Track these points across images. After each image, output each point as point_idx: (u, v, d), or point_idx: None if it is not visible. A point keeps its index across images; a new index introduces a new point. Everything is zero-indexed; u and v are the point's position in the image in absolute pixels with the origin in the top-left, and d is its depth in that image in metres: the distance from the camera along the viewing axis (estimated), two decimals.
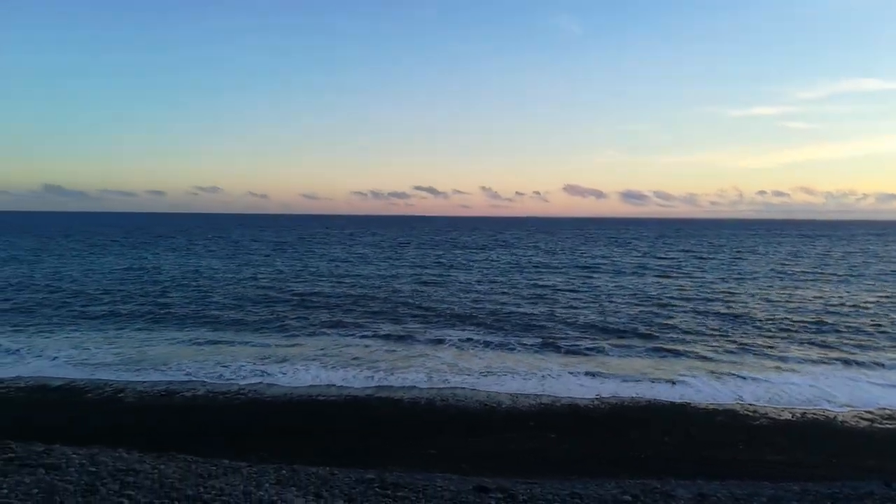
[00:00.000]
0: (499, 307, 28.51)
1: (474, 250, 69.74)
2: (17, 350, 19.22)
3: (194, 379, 16.46)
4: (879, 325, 24.73)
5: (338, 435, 12.36)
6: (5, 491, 5.22)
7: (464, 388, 16.10)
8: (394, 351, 19.96)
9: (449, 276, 42.17)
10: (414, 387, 16.16)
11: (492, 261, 54.99)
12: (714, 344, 21.50)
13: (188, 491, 5.56)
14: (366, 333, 22.47)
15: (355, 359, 18.85)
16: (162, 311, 26.39)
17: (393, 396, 15.36)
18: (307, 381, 16.40)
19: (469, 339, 21.70)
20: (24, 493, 5.19)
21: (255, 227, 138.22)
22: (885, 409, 14.81)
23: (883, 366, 18.77)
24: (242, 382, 16.14)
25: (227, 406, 14.36)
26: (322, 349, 19.89)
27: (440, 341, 21.33)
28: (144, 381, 16.14)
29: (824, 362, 19.14)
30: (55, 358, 18.30)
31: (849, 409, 14.85)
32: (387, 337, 21.93)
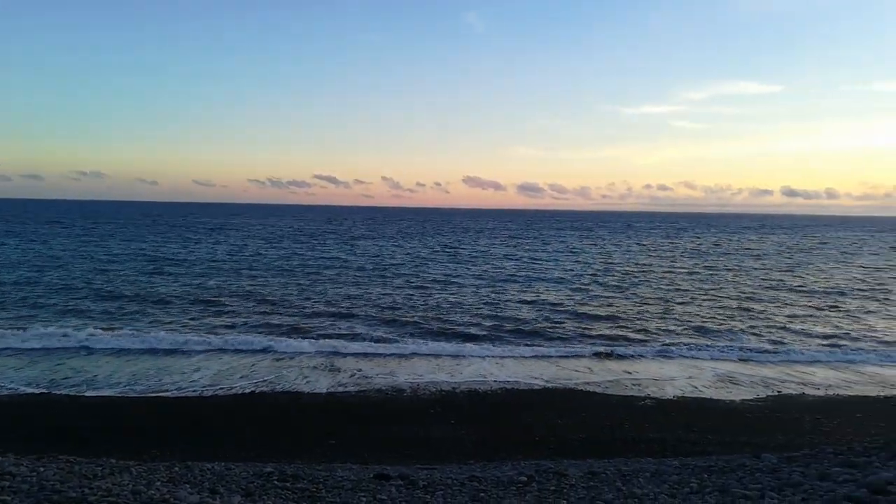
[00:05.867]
0: (383, 299, 28.70)
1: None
2: None
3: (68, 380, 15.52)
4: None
5: (235, 432, 12.03)
6: None
7: (365, 377, 16.13)
8: (279, 345, 19.54)
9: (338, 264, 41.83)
10: (310, 379, 16.00)
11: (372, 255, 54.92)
12: (607, 331, 22.65)
13: (71, 493, 5.26)
14: (251, 325, 21.95)
15: (246, 353, 18.42)
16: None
17: (290, 390, 15.12)
18: (203, 381, 15.83)
19: (355, 330, 21.72)
20: None
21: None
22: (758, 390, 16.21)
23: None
24: (131, 385, 15.36)
25: (108, 407, 13.62)
26: (204, 347, 19.19)
27: (326, 335, 21.10)
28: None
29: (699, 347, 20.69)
30: None
31: (714, 388, 16.15)
32: (276, 328, 21.57)
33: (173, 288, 30.07)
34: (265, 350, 18.83)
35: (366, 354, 18.61)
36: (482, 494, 7.12)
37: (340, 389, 15.23)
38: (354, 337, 20.79)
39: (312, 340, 20.00)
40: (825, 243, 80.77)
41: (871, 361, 19.14)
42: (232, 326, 21.87)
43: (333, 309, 25.81)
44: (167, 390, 14.86)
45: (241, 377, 15.99)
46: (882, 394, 15.74)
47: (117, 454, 9.27)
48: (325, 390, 15.14)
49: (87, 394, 14.35)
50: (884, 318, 26.17)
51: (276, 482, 7.08)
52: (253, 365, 17.14)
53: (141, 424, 12.26)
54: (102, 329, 20.65)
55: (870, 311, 27.85)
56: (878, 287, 36.18)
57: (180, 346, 18.89)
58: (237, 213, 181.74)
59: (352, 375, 16.41)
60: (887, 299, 31.56)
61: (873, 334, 23.02)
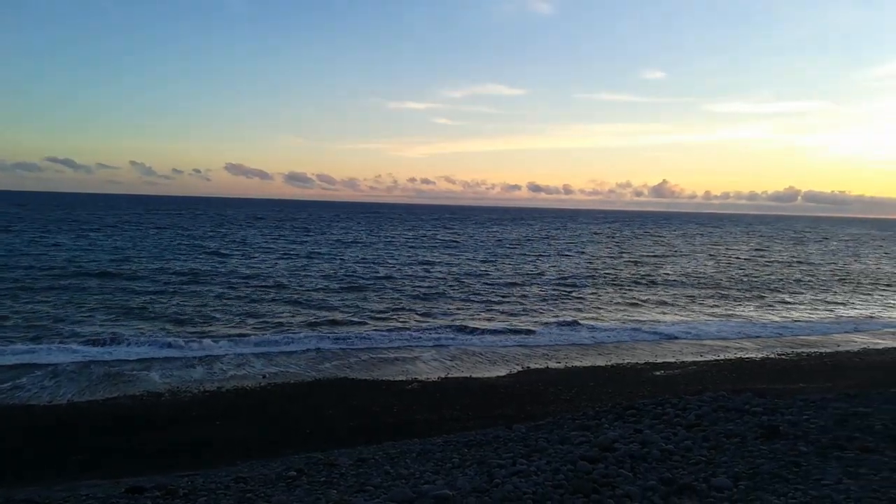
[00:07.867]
0: (128, 299, 26.51)
1: None
2: None
3: None
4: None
5: None
6: None
7: (115, 383, 14.65)
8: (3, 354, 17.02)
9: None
10: (48, 389, 14.12)
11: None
12: (372, 322, 23.27)
13: None
14: None
15: None
16: None
17: (21, 403, 13.18)
18: None
19: (99, 334, 19.37)
20: None
21: None
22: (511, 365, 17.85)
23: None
24: None
25: None
26: None
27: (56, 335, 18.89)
28: None
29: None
30: None
31: (474, 368, 17.55)
32: None
33: None
34: None
35: (114, 360, 16.76)
36: (249, 495, 6.91)
37: (86, 398, 13.63)
38: (98, 341, 18.45)
39: (47, 346, 17.56)
40: (560, 234, 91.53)
41: (600, 339, 22.04)
42: None
43: (65, 311, 22.74)
44: None
45: None
46: (609, 363, 18.32)
47: None
48: (66, 400, 13.43)
49: None
50: (606, 304, 30.33)
51: None
52: None
53: None
54: None
55: (593, 294, 32.20)
56: (605, 273, 41.89)
57: None
58: None
59: (99, 382, 14.79)
60: (614, 283, 36.70)
61: (596, 313, 26.69)
